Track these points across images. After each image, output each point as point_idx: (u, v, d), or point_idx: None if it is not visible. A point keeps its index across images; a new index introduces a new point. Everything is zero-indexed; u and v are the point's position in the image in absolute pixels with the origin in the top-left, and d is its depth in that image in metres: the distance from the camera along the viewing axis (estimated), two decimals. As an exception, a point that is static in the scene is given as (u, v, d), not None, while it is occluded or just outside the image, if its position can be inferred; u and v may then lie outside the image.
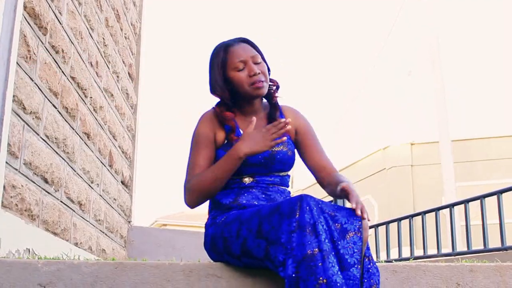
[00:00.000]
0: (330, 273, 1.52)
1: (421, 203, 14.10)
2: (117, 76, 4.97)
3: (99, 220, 4.30)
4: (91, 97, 4.02)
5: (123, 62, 5.25)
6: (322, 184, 2.02)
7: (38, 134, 2.97)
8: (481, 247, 4.78)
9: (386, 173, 15.90)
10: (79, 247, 3.69)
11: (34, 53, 2.89)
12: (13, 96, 2.62)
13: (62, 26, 3.34)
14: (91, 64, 4.04)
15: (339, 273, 1.54)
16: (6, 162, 2.56)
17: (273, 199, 1.95)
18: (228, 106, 2.02)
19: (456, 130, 13.38)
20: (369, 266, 1.68)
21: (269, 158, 1.96)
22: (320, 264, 1.53)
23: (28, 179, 2.84)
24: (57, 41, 3.23)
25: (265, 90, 2.00)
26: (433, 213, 5.51)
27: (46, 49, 3.08)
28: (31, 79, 2.85)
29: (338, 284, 1.52)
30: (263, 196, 1.95)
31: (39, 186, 2.98)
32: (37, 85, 2.94)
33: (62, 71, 3.36)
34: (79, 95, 3.72)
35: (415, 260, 4.05)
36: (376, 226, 6.64)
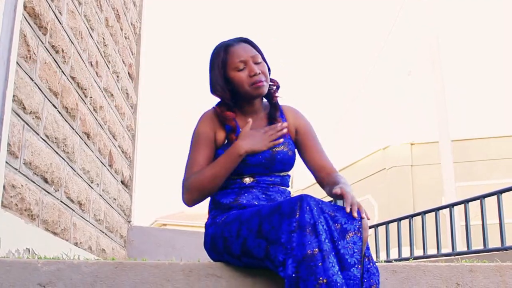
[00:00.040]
0: (330, 273, 1.52)
1: (421, 203, 14.10)
2: (117, 76, 4.97)
3: (99, 220, 4.31)
4: (91, 97, 4.02)
5: (123, 62, 5.25)
6: (322, 184, 2.02)
7: (38, 134, 2.97)
8: (481, 247, 4.78)
9: (386, 173, 15.90)
10: (79, 247, 3.69)
11: (34, 53, 2.89)
12: (13, 96, 2.62)
13: (62, 26, 3.34)
14: (91, 64, 4.04)
15: (339, 273, 1.54)
16: (6, 162, 2.56)
17: (273, 199, 1.95)
18: (228, 106, 2.02)
19: (456, 130, 13.38)
20: (369, 266, 1.68)
21: (270, 158, 1.96)
22: (320, 264, 1.53)
23: (28, 179, 2.84)
24: (57, 41, 3.23)
25: (265, 90, 2.00)
26: (433, 213, 5.51)
27: (46, 49, 3.08)
28: (31, 79, 2.85)
29: (338, 284, 1.52)
30: (264, 196, 1.95)
31: (39, 186, 2.98)
32: (37, 85, 2.94)
33: (62, 71, 3.36)
34: (79, 95, 3.72)
35: (415, 260, 4.05)
36: (376, 226, 6.64)
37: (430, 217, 5.60)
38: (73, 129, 3.60)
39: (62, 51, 3.32)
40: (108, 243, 4.64)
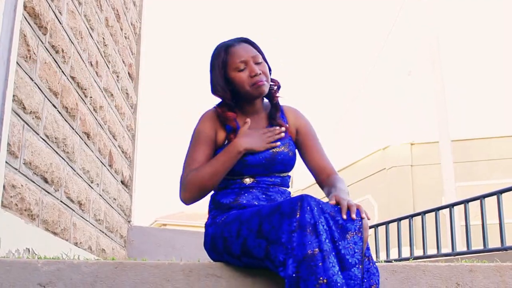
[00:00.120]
0: (331, 273, 1.52)
1: (421, 203, 14.10)
2: (117, 76, 4.97)
3: (99, 220, 4.30)
4: (91, 97, 4.02)
5: (123, 62, 5.25)
6: (321, 185, 2.03)
7: (38, 134, 2.97)
8: (481, 247, 4.78)
9: (386, 173, 15.90)
10: (79, 247, 3.69)
11: (34, 53, 2.89)
12: (13, 95, 2.62)
13: (62, 26, 3.34)
14: (91, 64, 4.04)
15: (339, 273, 1.54)
16: (6, 162, 2.56)
17: (274, 200, 1.95)
18: (229, 106, 2.02)
19: (456, 130, 13.39)
20: (368, 266, 1.68)
21: (270, 159, 1.96)
22: (320, 264, 1.53)
23: (28, 178, 2.84)
24: (57, 40, 3.23)
25: (266, 90, 2.00)
26: (433, 213, 5.51)
27: (46, 48, 3.08)
28: (31, 78, 2.85)
29: (339, 284, 1.51)
30: (264, 196, 1.95)
31: (39, 186, 2.98)
32: (37, 84, 2.94)
33: (62, 71, 3.36)
34: (79, 95, 3.72)
35: (415, 260, 4.05)
36: (376, 226, 6.64)
37: (430, 217, 5.60)
38: (73, 129, 3.60)
39: (62, 51, 3.32)
40: (108, 243, 4.64)
